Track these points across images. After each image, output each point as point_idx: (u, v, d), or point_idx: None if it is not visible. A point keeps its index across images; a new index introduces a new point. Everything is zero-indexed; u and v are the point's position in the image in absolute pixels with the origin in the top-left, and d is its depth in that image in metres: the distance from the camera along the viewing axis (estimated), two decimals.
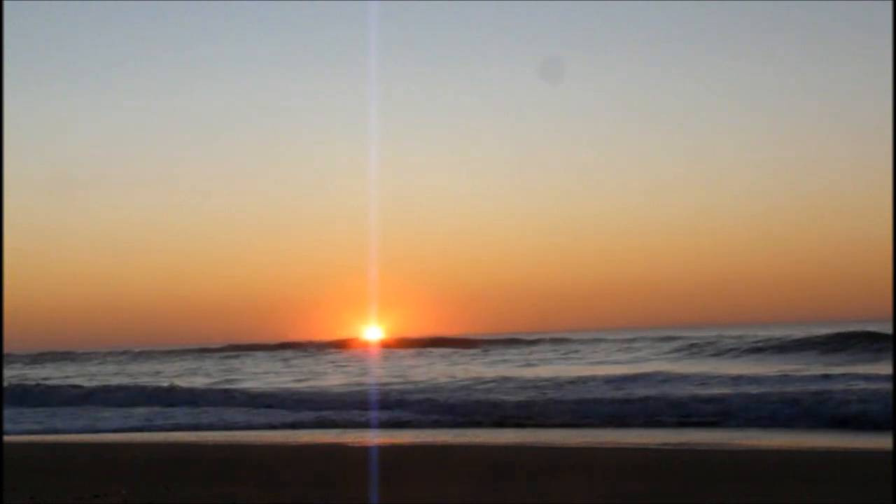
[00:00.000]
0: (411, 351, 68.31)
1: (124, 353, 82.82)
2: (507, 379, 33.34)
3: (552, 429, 20.40)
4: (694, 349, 50.64)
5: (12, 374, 54.09)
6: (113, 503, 10.21)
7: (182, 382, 39.18)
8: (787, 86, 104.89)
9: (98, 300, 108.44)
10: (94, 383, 39.79)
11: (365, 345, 78.53)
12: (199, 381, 41.73)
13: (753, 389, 25.21)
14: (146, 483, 11.87)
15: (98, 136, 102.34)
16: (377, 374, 42.96)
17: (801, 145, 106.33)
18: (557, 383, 30.49)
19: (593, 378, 31.62)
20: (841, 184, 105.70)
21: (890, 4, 57.62)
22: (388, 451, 16.15)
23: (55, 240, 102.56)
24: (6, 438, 19.91)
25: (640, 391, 26.09)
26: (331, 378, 42.08)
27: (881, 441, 15.86)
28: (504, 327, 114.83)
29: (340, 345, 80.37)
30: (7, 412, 27.67)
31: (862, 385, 24.82)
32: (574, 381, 30.74)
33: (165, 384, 36.33)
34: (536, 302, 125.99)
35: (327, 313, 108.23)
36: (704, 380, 29.33)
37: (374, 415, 24.30)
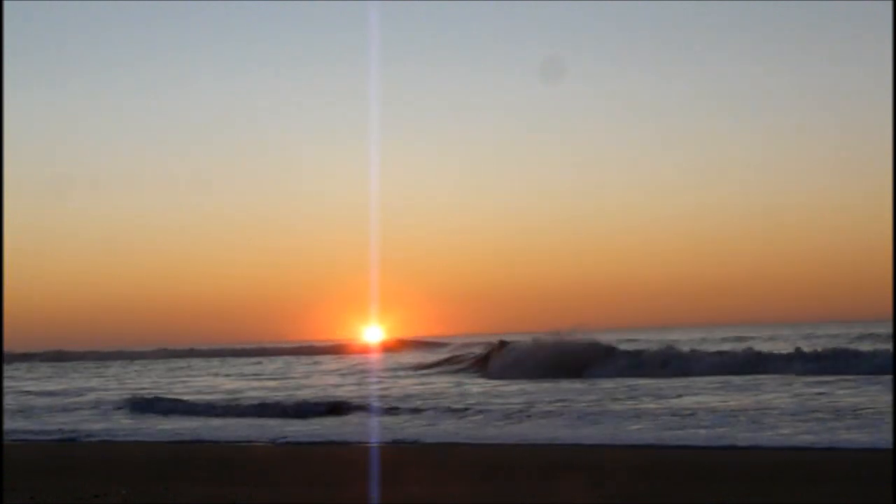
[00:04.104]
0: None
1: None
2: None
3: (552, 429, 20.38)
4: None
5: None
6: (113, 503, 10.21)
7: None
8: (786, 86, 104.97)
9: (98, 300, 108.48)
10: None
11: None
12: None
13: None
14: (146, 483, 11.87)
15: (98, 136, 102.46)
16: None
17: (801, 145, 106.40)
18: None
19: None
20: (841, 184, 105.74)
21: (890, 4, 57.66)
22: (388, 451, 16.15)
23: (55, 240, 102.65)
24: (6, 438, 19.90)
25: None
26: None
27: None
28: (503, 327, 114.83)
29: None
30: None
31: None
32: None
33: None
34: (536, 302, 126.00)
35: (326, 314, 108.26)
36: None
37: None
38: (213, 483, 11.78)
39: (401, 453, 16.33)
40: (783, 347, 41.51)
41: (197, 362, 69.85)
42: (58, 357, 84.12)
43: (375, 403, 25.63)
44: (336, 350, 78.07)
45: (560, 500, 10.54)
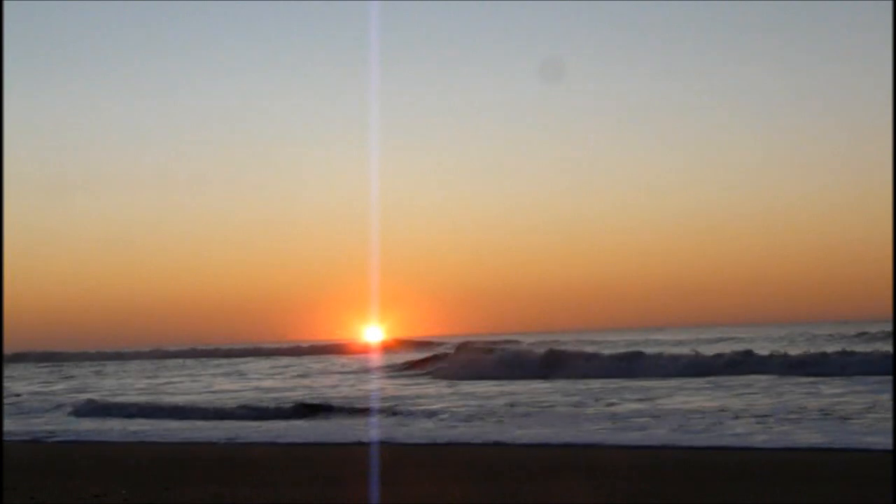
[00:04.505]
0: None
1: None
2: None
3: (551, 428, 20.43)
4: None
5: None
6: (113, 503, 10.22)
7: None
8: (786, 86, 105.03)
9: (96, 301, 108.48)
10: None
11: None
12: None
13: None
14: (146, 483, 11.87)
15: (98, 136, 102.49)
16: None
17: (801, 145, 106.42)
18: None
19: None
20: (841, 184, 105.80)
21: (890, 4, 57.69)
22: (388, 451, 16.15)
23: (54, 241, 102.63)
24: (6, 438, 19.90)
25: None
26: None
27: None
28: (504, 327, 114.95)
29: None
30: None
31: None
32: None
33: None
34: (535, 302, 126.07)
35: (326, 315, 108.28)
36: None
37: None
38: (212, 483, 11.78)
39: (401, 453, 16.33)
40: (763, 348, 41.58)
41: (191, 362, 69.93)
42: (49, 358, 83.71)
43: (338, 405, 25.92)
44: (332, 350, 78.12)
45: (560, 500, 10.54)
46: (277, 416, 24.25)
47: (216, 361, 70.29)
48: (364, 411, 24.39)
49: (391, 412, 24.00)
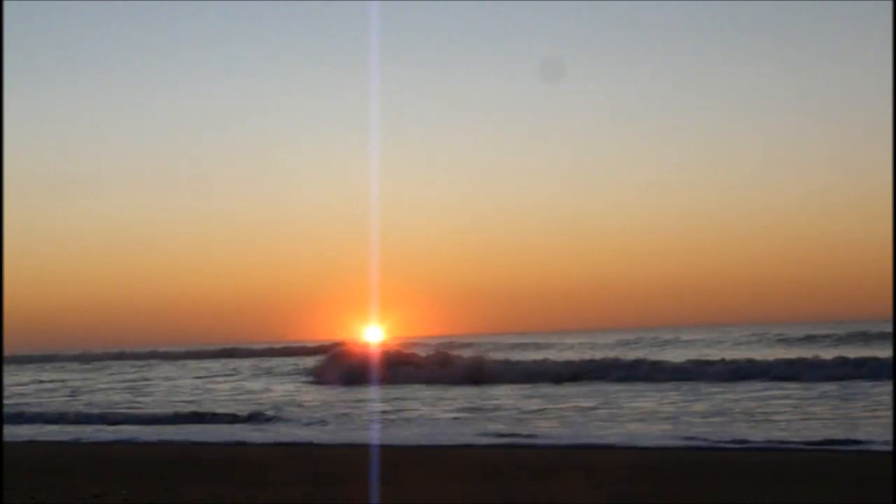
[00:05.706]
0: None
1: None
2: None
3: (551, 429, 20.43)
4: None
5: None
6: (113, 503, 10.22)
7: None
8: (786, 86, 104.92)
9: (97, 301, 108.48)
10: None
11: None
12: None
13: None
14: (146, 483, 11.87)
15: (98, 136, 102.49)
16: None
17: (801, 145, 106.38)
18: None
19: None
20: (841, 184, 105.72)
21: (890, 4, 57.68)
22: (388, 451, 16.16)
23: (54, 240, 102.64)
24: (6, 439, 19.90)
25: None
26: None
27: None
28: (503, 327, 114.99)
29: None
30: None
31: None
32: None
33: None
34: (535, 302, 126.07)
35: (326, 314, 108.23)
36: None
37: None
38: (212, 483, 11.78)
39: (401, 453, 16.34)
40: (759, 349, 41.47)
41: (194, 363, 69.65)
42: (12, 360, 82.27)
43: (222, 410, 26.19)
44: (317, 351, 77.61)
45: (560, 501, 10.54)
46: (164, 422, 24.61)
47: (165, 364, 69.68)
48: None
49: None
